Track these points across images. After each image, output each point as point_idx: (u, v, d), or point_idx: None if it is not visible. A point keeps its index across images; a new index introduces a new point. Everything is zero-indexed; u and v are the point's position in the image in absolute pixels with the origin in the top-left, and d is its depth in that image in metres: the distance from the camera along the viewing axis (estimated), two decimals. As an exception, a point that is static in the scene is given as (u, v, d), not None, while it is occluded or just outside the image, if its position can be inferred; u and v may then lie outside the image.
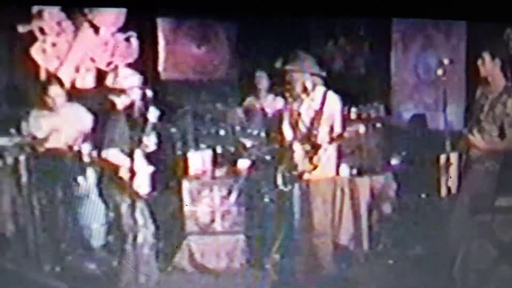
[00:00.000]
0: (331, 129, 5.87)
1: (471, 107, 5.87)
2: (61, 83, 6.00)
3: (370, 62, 6.40)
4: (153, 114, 5.75)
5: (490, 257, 5.74)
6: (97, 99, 5.93)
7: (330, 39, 6.36)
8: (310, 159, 5.86)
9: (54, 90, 5.95)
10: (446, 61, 5.96)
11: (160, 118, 5.75)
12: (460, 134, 5.86)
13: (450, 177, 5.93)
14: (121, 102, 5.67)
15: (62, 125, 5.96)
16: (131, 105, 5.67)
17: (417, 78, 6.38)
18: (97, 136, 5.81)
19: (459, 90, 6.30)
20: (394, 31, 6.38)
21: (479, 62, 5.77)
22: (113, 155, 5.66)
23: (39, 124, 5.95)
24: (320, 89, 5.86)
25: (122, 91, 5.62)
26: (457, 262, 5.74)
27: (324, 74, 5.87)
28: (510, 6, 5.71)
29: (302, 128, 5.91)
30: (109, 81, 5.76)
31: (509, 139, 5.69)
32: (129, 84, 5.63)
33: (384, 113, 6.35)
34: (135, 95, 5.65)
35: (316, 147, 5.86)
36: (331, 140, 5.86)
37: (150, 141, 5.75)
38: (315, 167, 5.85)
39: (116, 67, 6.20)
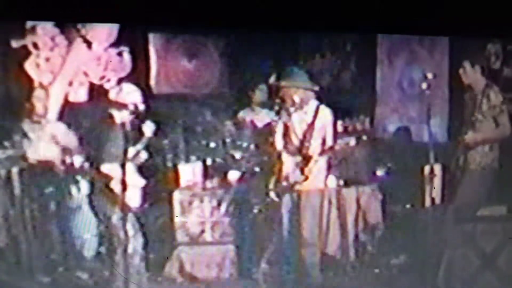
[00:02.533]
0: (323, 141, 6.03)
1: (463, 113, 6.06)
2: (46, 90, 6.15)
3: (356, 77, 6.52)
4: (149, 128, 5.89)
5: (473, 265, 5.88)
6: (95, 112, 6.05)
7: (317, 54, 6.47)
8: (302, 170, 6.00)
9: (39, 93, 6.10)
10: (429, 76, 6.11)
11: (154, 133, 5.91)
12: (446, 145, 6.05)
13: (434, 188, 6.06)
14: (120, 117, 5.82)
15: (47, 141, 6.09)
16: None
17: (401, 92, 6.52)
18: (93, 149, 5.93)
19: (442, 103, 6.44)
20: (379, 47, 6.51)
21: (461, 71, 6.00)
22: (112, 169, 5.80)
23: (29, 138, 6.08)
24: (313, 102, 6.04)
25: (123, 106, 5.77)
26: (441, 270, 5.87)
27: (316, 88, 6.04)
28: (491, 23, 5.88)
29: (295, 140, 6.07)
30: (112, 95, 5.91)
31: (502, 126, 5.92)
32: (131, 100, 5.78)
33: (369, 126, 6.50)
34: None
35: (307, 159, 6.00)
36: (322, 152, 6.00)
37: (142, 154, 5.89)
38: (306, 178, 5.99)
39: (109, 81, 6.31)
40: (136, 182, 5.94)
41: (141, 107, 6.02)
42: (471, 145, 5.98)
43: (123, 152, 5.77)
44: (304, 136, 6.07)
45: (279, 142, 6.10)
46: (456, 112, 6.29)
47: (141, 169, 5.96)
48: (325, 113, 6.07)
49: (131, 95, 5.90)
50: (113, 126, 5.84)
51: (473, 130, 5.98)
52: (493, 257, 5.88)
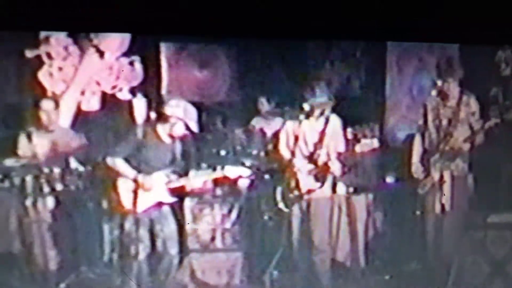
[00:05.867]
0: (334, 149, 6.09)
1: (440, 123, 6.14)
2: (55, 101, 6.24)
3: (366, 85, 6.52)
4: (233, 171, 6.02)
5: (483, 272, 5.88)
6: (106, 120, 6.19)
7: (327, 62, 6.50)
8: (316, 177, 6.06)
9: (47, 105, 6.18)
10: (439, 83, 6.15)
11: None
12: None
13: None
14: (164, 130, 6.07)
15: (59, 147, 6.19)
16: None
17: (411, 99, 6.52)
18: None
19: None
20: (389, 55, 6.51)
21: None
22: (119, 164, 5.90)
23: (38, 143, 6.16)
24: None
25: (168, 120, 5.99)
26: (451, 277, 5.88)
27: (333, 102, 6.11)
28: (500, 30, 5.89)
29: (306, 148, 6.13)
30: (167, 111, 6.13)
31: (476, 134, 5.98)
32: (178, 114, 5.97)
33: (379, 133, 6.51)
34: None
35: (321, 166, 6.07)
36: (337, 159, 6.07)
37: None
38: (322, 185, 6.05)
39: (121, 90, 6.37)
40: (163, 197, 6.05)
41: (152, 115, 6.14)
42: (450, 152, 6.04)
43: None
44: (315, 143, 6.13)
45: (284, 151, 6.16)
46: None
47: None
48: (335, 121, 6.14)
49: (177, 109, 6.08)
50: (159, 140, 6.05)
51: (451, 137, 6.05)
52: (503, 264, 5.88)
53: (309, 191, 6.10)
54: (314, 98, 6.11)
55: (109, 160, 6.03)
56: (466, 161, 6.09)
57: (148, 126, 6.15)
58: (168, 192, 6.07)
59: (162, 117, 6.15)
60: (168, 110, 6.13)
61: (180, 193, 6.14)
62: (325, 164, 6.12)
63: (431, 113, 6.19)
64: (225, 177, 6.17)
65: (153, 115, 6.21)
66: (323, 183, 6.12)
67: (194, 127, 6.21)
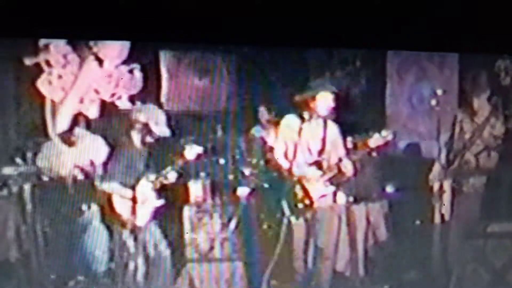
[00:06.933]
0: (336, 155, 6.11)
1: (464, 136, 6.11)
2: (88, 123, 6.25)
3: (366, 93, 6.52)
4: (193, 150, 5.95)
5: (483, 281, 5.87)
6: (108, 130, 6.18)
7: (327, 71, 6.50)
8: (327, 182, 6.07)
9: (80, 132, 6.20)
10: (439, 92, 6.17)
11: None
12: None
13: (444, 204, 6.08)
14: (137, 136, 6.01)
15: (78, 156, 6.17)
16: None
17: (411, 108, 6.51)
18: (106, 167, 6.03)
19: (452, 120, 6.46)
20: (389, 64, 6.52)
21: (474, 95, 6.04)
22: (114, 188, 5.88)
23: (55, 157, 6.15)
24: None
25: (142, 125, 5.93)
26: (451, 286, 5.87)
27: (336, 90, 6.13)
28: (500, 39, 5.90)
29: (309, 156, 6.13)
30: (132, 115, 6.09)
31: (494, 158, 5.94)
32: (150, 119, 5.95)
33: (379, 142, 6.51)
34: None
35: (327, 172, 6.08)
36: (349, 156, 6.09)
37: (171, 174, 5.98)
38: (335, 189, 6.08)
39: (120, 98, 6.36)
40: (153, 202, 6.01)
41: (152, 123, 6.11)
42: (465, 168, 6.05)
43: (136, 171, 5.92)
44: (319, 151, 6.16)
45: (282, 159, 6.16)
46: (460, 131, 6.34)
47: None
48: (333, 127, 6.16)
49: (150, 114, 6.05)
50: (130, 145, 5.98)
51: (470, 153, 6.05)
52: (503, 272, 5.88)
53: (322, 197, 6.11)
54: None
55: (105, 186, 6.02)
56: (473, 175, 6.10)
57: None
58: (155, 194, 6.05)
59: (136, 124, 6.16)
60: (132, 115, 6.12)
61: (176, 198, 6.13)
62: (335, 166, 6.14)
63: (457, 125, 6.19)
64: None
65: (151, 123, 6.20)
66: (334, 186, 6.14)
67: (163, 132, 6.16)
